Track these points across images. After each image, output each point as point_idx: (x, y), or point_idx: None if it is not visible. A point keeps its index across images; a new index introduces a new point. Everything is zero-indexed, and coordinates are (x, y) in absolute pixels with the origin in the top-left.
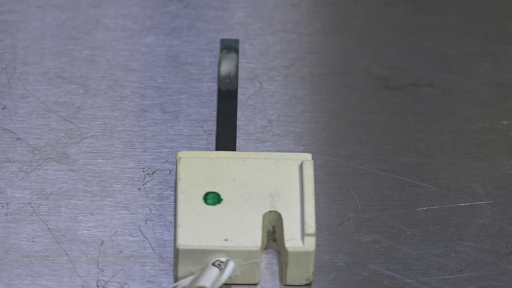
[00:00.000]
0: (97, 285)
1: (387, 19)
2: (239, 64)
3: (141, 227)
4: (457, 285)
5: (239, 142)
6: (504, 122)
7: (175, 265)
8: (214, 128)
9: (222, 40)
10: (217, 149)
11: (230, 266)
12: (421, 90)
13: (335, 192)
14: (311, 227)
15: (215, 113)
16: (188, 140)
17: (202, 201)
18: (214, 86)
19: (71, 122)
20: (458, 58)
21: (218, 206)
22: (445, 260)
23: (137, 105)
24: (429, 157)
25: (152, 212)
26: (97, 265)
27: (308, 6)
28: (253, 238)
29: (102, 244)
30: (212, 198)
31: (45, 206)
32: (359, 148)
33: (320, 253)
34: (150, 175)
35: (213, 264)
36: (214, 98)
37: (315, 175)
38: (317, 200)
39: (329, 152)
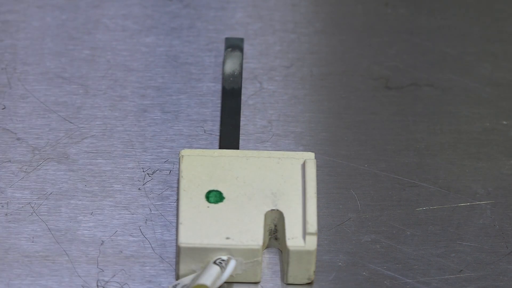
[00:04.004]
0: (97, 285)
1: (387, 19)
2: None
3: (141, 227)
4: (457, 285)
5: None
6: (504, 122)
7: (177, 263)
8: (214, 128)
9: (227, 39)
10: (220, 147)
11: (232, 264)
12: (421, 90)
13: (335, 192)
14: (312, 226)
15: (215, 113)
16: (188, 140)
17: (204, 199)
18: (214, 86)
19: (71, 122)
20: (458, 58)
21: (220, 204)
22: (445, 260)
23: (137, 105)
24: (429, 157)
25: (152, 212)
26: (97, 265)
27: (308, 6)
28: (255, 237)
29: (102, 244)
30: (214, 196)
31: (45, 206)
32: (359, 148)
33: (320, 253)
34: (150, 175)
35: (215, 262)
36: (214, 98)
37: None
38: (317, 199)
39: (329, 152)
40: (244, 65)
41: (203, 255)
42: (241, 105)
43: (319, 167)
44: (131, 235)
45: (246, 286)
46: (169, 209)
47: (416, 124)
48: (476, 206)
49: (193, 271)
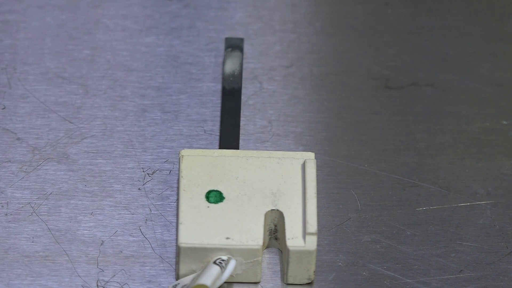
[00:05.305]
0: (97, 285)
1: (387, 19)
2: None
3: (141, 227)
4: (457, 285)
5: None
6: (504, 122)
7: (177, 263)
8: (214, 128)
9: (227, 39)
10: (221, 147)
11: (232, 264)
12: (421, 90)
13: (335, 192)
14: (312, 226)
15: (215, 113)
16: (188, 140)
17: (204, 199)
18: (214, 86)
19: (71, 122)
20: (458, 58)
21: (220, 204)
22: (445, 260)
23: (137, 105)
24: (429, 157)
25: (152, 212)
26: (97, 265)
27: (308, 6)
28: (255, 237)
29: (102, 244)
30: (214, 196)
31: (45, 206)
32: (359, 148)
33: (320, 253)
34: (150, 175)
35: (215, 262)
36: (214, 98)
37: None
38: (317, 199)
39: (329, 152)
40: (244, 65)
41: (203, 255)
42: (241, 105)
43: (319, 167)
44: (131, 235)
45: (246, 286)
46: (169, 209)
47: (416, 124)
48: (476, 206)
49: (193, 271)
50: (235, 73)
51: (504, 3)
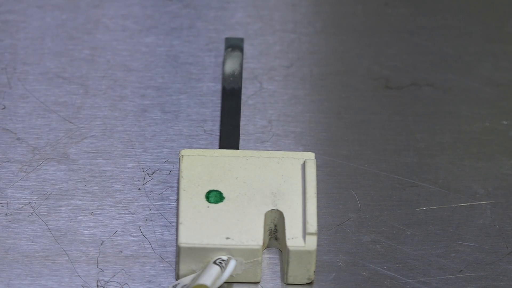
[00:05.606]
0: (97, 285)
1: (387, 19)
2: None
3: (141, 227)
4: (457, 285)
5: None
6: (504, 122)
7: (177, 263)
8: (214, 128)
9: (227, 39)
10: (221, 147)
11: (232, 264)
12: (421, 90)
13: (335, 192)
14: (312, 226)
15: (215, 113)
16: (188, 140)
17: (204, 199)
18: (214, 86)
19: (71, 122)
20: (458, 58)
21: (220, 204)
22: (445, 260)
23: (137, 105)
24: (429, 157)
25: (152, 212)
26: (97, 265)
27: (308, 6)
28: (255, 237)
29: (102, 244)
30: (214, 196)
31: (45, 206)
32: (359, 148)
33: (320, 253)
34: (150, 175)
35: (215, 262)
36: (214, 98)
37: None
38: (317, 199)
39: (329, 152)
40: (244, 65)
41: (203, 255)
42: (241, 105)
43: (319, 167)
44: (131, 235)
45: (246, 286)
46: (169, 209)
47: (416, 124)
48: (476, 206)
49: (193, 271)
50: (235, 73)
51: (504, 3)
